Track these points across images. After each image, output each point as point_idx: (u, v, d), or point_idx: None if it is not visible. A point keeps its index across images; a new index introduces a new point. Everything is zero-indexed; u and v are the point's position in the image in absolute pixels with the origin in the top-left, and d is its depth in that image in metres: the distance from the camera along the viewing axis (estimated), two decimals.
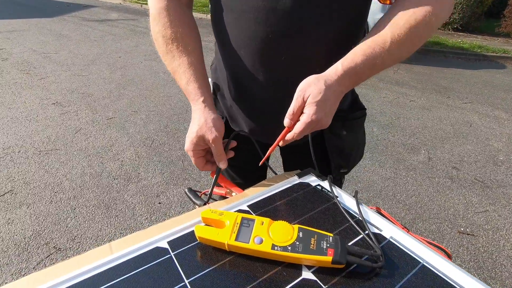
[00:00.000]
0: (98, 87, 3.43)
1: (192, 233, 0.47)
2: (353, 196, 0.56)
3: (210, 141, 0.58)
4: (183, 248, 0.45)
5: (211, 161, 0.64)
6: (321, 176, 0.62)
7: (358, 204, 0.54)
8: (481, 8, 7.70)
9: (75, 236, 1.55)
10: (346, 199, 0.56)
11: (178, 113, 2.91)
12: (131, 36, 5.81)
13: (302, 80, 0.54)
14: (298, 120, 0.54)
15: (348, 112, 0.74)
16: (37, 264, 1.39)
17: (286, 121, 0.55)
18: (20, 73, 3.68)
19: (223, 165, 0.62)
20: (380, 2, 3.92)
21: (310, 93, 0.52)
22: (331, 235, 0.43)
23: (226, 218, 0.45)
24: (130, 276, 0.40)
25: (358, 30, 0.63)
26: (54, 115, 2.76)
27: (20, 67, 3.87)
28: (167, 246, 0.45)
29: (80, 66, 4.06)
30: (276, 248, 0.41)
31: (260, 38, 0.58)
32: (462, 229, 1.75)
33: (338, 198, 0.55)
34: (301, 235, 0.43)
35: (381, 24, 0.54)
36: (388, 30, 0.52)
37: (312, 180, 0.62)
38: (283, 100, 0.58)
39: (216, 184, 0.63)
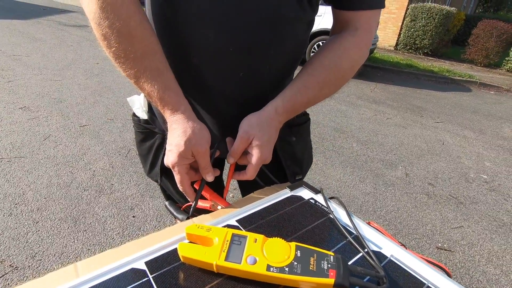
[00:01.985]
0: (71, 93, 3.26)
1: (174, 251, 0.41)
2: (344, 209, 0.52)
3: (200, 153, 0.53)
4: (164, 270, 0.39)
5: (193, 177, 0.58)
6: (314, 189, 0.59)
7: (350, 217, 0.51)
8: (448, 35, 8.30)
9: (36, 253, 1.40)
10: (341, 214, 0.52)
11: None
12: None
13: (253, 96, 0.58)
14: (238, 157, 0.57)
15: (293, 118, 0.69)
16: None
17: (230, 160, 0.57)
18: None
19: (210, 178, 0.56)
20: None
21: (255, 135, 0.54)
22: (332, 254, 0.39)
23: (214, 234, 0.40)
24: None
25: (304, 50, 0.66)
26: (20, 120, 2.57)
27: None
28: (144, 267, 0.39)
29: (54, 70, 3.87)
30: (271, 269, 0.36)
31: (218, 49, 0.53)
32: (440, 244, 1.77)
33: (333, 213, 0.51)
34: (299, 254, 0.38)
35: (314, 62, 0.59)
36: (322, 72, 0.58)
37: (305, 193, 0.58)
38: (238, 115, 0.58)
39: (200, 196, 0.58)
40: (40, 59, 4.25)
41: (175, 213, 0.57)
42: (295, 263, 0.37)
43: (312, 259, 0.38)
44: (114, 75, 3.97)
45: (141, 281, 0.37)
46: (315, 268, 0.37)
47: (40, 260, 1.37)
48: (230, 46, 0.52)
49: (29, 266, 1.33)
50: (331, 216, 0.51)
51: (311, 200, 0.56)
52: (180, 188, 0.57)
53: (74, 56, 4.56)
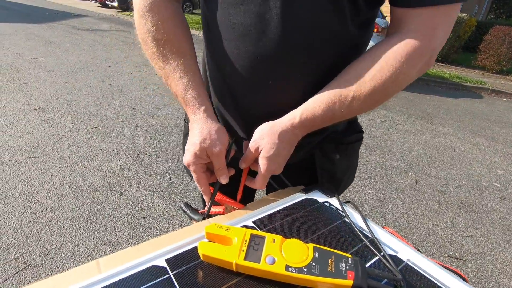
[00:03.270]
0: (84, 95, 3.33)
1: (193, 250, 0.42)
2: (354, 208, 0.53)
3: (214, 155, 0.53)
4: (184, 267, 0.40)
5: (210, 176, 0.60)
6: (328, 192, 0.59)
7: (365, 220, 0.51)
8: (459, 42, 8.21)
9: (49, 251, 1.42)
10: (357, 218, 0.53)
11: (167, 125, 2.85)
12: (122, 47, 5.77)
13: (286, 104, 0.55)
14: (251, 163, 0.56)
15: (343, 135, 0.70)
16: (3, 282, 1.26)
17: (242, 165, 0.57)
18: (2, 77, 3.53)
19: (224, 180, 0.57)
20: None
21: (263, 147, 0.53)
22: (350, 256, 0.39)
23: (233, 234, 0.41)
24: None
25: (349, 62, 0.55)
26: (35, 121, 2.63)
27: (2, 71, 3.72)
28: (165, 264, 0.40)
29: (67, 73, 3.96)
30: (290, 269, 0.37)
31: (246, 58, 0.55)
32: (451, 253, 1.74)
33: (348, 217, 0.52)
34: (317, 255, 0.39)
35: (349, 71, 0.51)
36: (353, 85, 0.50)
37: (319, 196, 0.58)
38: (269, 116, 0.56)
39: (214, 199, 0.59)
40: (54, 61, 4.35)
41: (191, 214, 0.58)
42: (313, 264, 0.37)
43: (330, 260, 0.38)
44: (126, 78, 4.04)
45: (162, 278, 0.38)
46: (333, 269, 0.37)
47: (52, 258, 1.39)
48: (257, 55, 0.53)
49: (42, 264, 1.36)
50: (346, 219, 0.52)
51: (326, 203, 0.56)
52: (199, 187, 0.58)
53: (87, 59, 4.66)
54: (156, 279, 0.38)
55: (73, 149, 2.29)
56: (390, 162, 2.71)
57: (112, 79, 3.95)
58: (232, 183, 0.61)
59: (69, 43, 5.53)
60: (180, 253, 0.42)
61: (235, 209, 0.56)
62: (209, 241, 0.42)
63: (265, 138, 0.53)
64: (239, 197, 0.62)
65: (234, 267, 0.38)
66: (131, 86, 3.76)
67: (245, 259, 0.38)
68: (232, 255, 0.38)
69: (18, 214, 1.62)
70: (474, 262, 1.70)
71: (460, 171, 2.70)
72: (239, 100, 0.61)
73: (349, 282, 0.36)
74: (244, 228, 0.43)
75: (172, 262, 0.40)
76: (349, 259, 0.38)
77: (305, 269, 0.37)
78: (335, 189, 0.67)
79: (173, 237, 0.46)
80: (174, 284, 0.37)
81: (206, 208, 0.58)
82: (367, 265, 0.42)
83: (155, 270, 0.39)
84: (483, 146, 3.32)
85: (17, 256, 1.38)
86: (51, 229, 1.55)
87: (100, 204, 1.77)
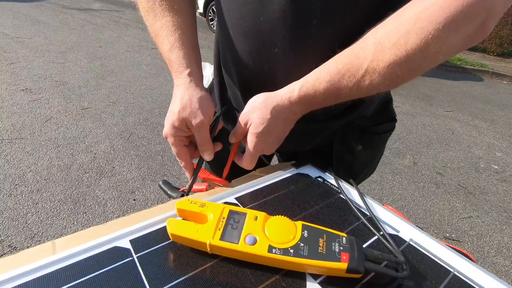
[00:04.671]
0: (74, 75, 3.21)
1: (163, 230, 0.37)
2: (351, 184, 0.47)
3: (195, 127, 0.46)
4: (151, 249, 0.34)
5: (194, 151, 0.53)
6: (322, 167, 0.54)
7: (363, 197, 0.45)
8: None
9: (35, 234, 1.38)
10: (353, 194, 0.47)
11: (159, 107, 2.76)
12: (114, 27, 5.56)
13: (294, 76, 0.46)
14: (242, 138, 0.50)
15: (372, 122, 0.59)
16: None
17: (232, 139, 0.50)
18: None
19: (208, 156, 0.50)
20: None
21: (252, 121, 0.45)
22: (345, 235, 0.33)
23: (209, 210, 0.35)
24: (75, 286, 0.29)
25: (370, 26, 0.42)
26: (22, 102, 2.53)
27: None
28: (129, 245, 0.34)
29: (56, 53, 3.81)
30: (274, 251, 0.31)
31: (249, 19, 0.48)
32: (447, 234, 1.72)
33: (344, 193, 0.46)
34: (306, 234, 0.33)
35: (366, 38, 0.39)
36: (369, 54, 0.37)
37: (312, 171, 0.53)
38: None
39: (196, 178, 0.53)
40: (43, 41, 4.18)
41: (169, 192, 0.52)
42: (302, 245, 0.32)
43: (321, 240, 0.32)
44: (118, 58, 3.90)
45: (124, 261, 0.32)
46: (324, 250, 0.31)
47: (39, 241, 1.35)
48: (260, 16, 0.46)
49: (27, 247, 1.31)
50: (341, 196, 0.46)
51: (319, 179, 0.50)
52: (180, 163, 0.52)
53: (77, 39, 4.48)
54: (116, 262, 0.32)
55: (61, 131, 2.21)
56: (388, 144, 2.65)
57: (103, 59, 3.81)
58: (219, 160, 0.54)
59: (59, 23, 5.31)
60: (148, 233, 0.36)
61: (220, 187, 0.50)
62: (182, 219, 0.37)
63: (256, 111, 0.45)
64: (225, 173, 0.55)
65: (208, 248, 0.32)
66: (123, 67, 3.63)
67: (221, 239, 0.32)
68: (206, 234, 0.32)
69: (4, 196, 1.57)
70: (470, 244, 1.68)
71: (458, 153, 2.66)
72: (243, 71, 0.54)
73: (343, 265, 0.30)
74: (223, 204, 0.37)
75: (137, 243, 0.35)
76: (344, 238, 0.33)
77: (291, 250, 0.31)
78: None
79: (143, 215, 0.40)
80: (137, 268, 0.31)
81: (187, 186, 0.52)
82: (364, 246, 0.37)
83: (117, 252, 0.33)
84: (482, 128, 3.27)
85: (2, 239, 1.33)
86: (38, 212, 1.50)
87: (89, 187, 1.71)
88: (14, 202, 1.54)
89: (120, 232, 0.36)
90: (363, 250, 0.32)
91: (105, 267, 0.31)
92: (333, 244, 0.32)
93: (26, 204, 1.54)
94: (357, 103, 0.55)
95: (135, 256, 0.33)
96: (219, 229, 0.33)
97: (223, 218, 0.34)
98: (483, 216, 1.91)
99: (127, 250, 0.34)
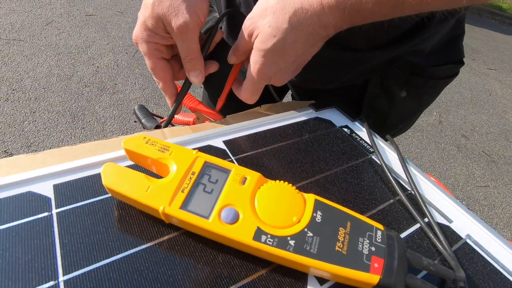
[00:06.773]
0: None
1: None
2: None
3: (175, 30, 0.31)
4: (79, 203, 0.22)
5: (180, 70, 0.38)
6: (351, 113, 0.39)
7: (404, 163, 0.32)
8: None
9: (31, 143, 1.33)
10: (390, 157, 0.33)
11: None
12: None
13: None
14: (246, 57, 0.33)
15: (429, 61, 0.43)
16: None
17: (232, 58, 0.34)
18: None
19: (196, 78, 0.35)
20: None
21: (260, 31, 0.29)
22: (381, 227, 0.21)
23: (172, 158, 0.22)
24: None
25: None
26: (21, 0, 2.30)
27: None
28: (51, 193, 0.23)
29: None
30: (264, 238, 0.19)
31: None
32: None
33: (379, 153, 0.32)
34: (319, 217, 0.21)
35: None
36: None
37: (336, 118, 0.38)
38: None
39: (180, 105, 0.39)
40: None
41: (142, 120, 0.39)
42: (310, 234, 0.20)
43: (342, 231, 0.20)
44: None
45: (35, 217, 0.21)
46: (345, 249, 0.19)
47: (35, 150, 1.31)
48: None
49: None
50: (373, 157, 0.33)
51: (345, 129, 0.36)
52: (157, 83, 0.38)
53: None
54: (24, 217, 0.21)
55: (63, 37, 2.04)
56: None
57: None
58: (217, 88, 0.39)
59: None
60: (81, 178, 0.24)
61: (211, 122, 0.37)
62: (132, 166, 0.24)
63: (268, 16, 0.29)
64: (219, 105, 0.41)
65: (162, 217, 0.21)
66: None
67: (182, 207, 0.20)
68: (161, 196, 0.20)
69: (0, 100, 1.49)
70: (480, 213, 1.60)
71: (491, 117, 2.42)
72: None
73: (373, 278, 0.18)
74: (197, 150, 0.24)
75: (63, 191, 0.23)
76: (379, 232, 0.20)
77: (291, 242, 0.19)
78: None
79: (82, 149, 0.28)
80: (53, 231, 0.20)
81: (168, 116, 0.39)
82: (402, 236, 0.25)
83: (31, 200, 0.22)
84: None
85: None
86: (35, 121, 1.44)
87: (89, 101, 1.62)
88: (11, 108, 1.47)
89: (41, 171, 0.24)
90: (406, 257, 0.20)
91: (9, 222, 0.20)
92: (361, 239, 0.20)
93: (23, 111, 1.47)
94: (419, 26, 0.38)
95: (53, 212, 0.21)
96: (182, 191, 0.21)
97: (194, 172, 0.22)
98: (500, 187, 1.79)
99: (47, 199, 0.22)
